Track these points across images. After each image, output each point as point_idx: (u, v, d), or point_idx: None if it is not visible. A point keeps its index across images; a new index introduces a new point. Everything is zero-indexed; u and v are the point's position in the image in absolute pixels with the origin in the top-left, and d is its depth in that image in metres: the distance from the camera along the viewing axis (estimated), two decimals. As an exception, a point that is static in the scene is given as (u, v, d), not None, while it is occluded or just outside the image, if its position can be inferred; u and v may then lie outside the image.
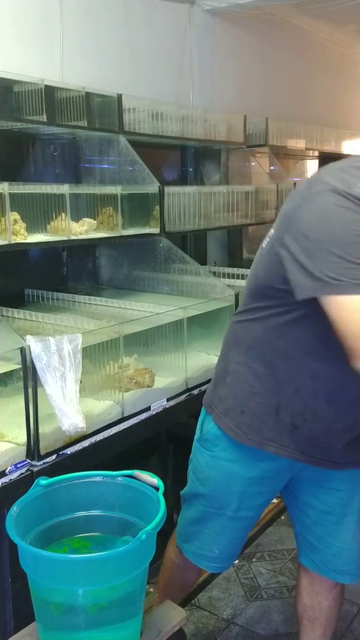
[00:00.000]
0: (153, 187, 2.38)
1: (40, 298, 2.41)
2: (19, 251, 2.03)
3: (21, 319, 2.01)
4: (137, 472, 1.42)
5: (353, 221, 1.15)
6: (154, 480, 1.39)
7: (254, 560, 2.49)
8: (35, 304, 2.39)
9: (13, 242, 1.89)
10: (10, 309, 2.04)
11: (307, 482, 1.53)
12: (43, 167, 2.49)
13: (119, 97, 2.44)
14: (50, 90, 2.17)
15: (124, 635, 1.32)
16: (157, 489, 1.37)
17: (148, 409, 1.92)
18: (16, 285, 2.42)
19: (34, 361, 1.50)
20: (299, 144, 3.81)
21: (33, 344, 1.49)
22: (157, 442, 2.17)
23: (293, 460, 1.42)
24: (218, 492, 1.50)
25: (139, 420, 1.88)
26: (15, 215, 1.94)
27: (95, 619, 1.26)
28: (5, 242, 1.86)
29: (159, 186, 2.39)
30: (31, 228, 2.04)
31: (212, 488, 1.51)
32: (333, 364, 1.28)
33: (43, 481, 1.37)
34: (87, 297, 2.34)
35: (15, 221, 1.94)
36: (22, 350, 1.51)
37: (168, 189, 2.42)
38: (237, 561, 2.49)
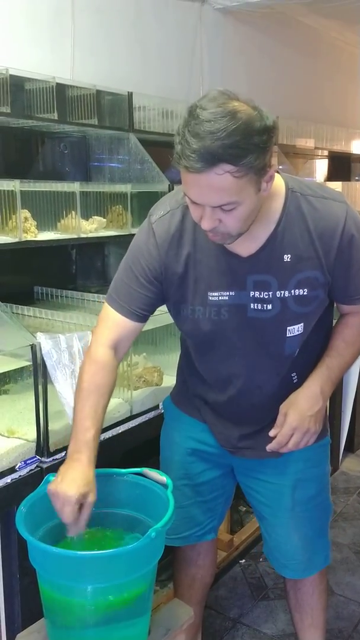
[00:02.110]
0: (163, 186, 2.38)
1: (50, 295, 2.41)
2: (29, 249, 2.04)
3: (31, 316, 2.02)
4: (146, 470, 1.43)
5: None
6: (163, 478, 1.39)
7: (260, 560, 2.49)
8: (45, 301, 2.39)
9: (24, 239, 1.90)
10: (20, 306, 2.05)
11: (239, 470, 1.61)
12: (53, 165, 2.50)
13: (130, 95, 2.45)
14: (61, 88, 2.17)
15: (133, 634, 1.32)
16: (166, 486, 1.37)
17: (156, 407, 1.92)
18: (25, 282, 2.43)
19: (45, 358, 1.50)
20: (308, 143, 3.80)
21: (44, 341, 1.50)
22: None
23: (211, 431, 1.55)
24: (164, 459, 1.66)
25: (147, 418, 1.88)
26: (25, 213, 1.95)
27: (104, 616, 1.26)
28: (16, 240, 1.87)
29: (169, 184, 2.39)
30: (41, 226, 2.04)
31: (162, 455, 1.68)
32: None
33: (52, 478, 1.38)
34: (96, 295, 2.34)
35: (26, 219, 1.95)
36: (33, 348, 1.51)
37: (178, 188, 2.42)
38: (243, 560, 2.49)
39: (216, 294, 1.36)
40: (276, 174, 1.31)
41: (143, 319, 1.42)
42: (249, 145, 1.08)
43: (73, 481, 1.24)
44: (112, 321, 1.40)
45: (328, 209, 1.32)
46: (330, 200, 1.34)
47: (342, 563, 2.47)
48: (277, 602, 2.25)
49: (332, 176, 4.44)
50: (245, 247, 1.33)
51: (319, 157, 4.43)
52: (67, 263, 2.62)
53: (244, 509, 2.68)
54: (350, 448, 3.40)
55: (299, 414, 1.38)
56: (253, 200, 1.18)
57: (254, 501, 1.62)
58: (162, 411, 1.92)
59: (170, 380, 2.04)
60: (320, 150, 4.13)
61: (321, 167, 4.54)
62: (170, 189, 2.38)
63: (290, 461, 1.52)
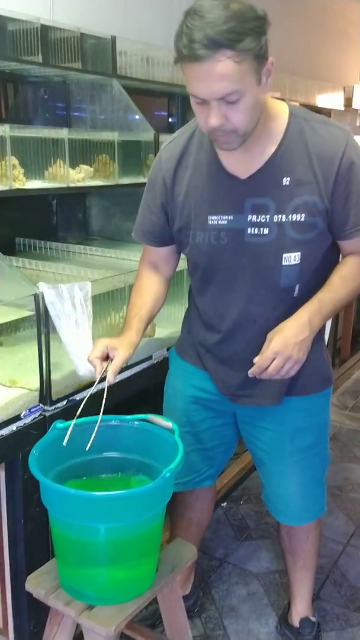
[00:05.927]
0: (149, 135, 2.34)
1: (32, 247, 2.37)
2: (9, 198, 1.98)
3: (19, 267, 1.99)
4: (151, 416, 1.46)
5: None
6: (168, 424, 1.42)
7: (241, 502, 2.59)
8: (27, 252, 2.35)
9: (13, 188, 1.85)
10: (8, 256, 2.01)
11: (241, 418, 1.65)
12: (33, 111, 2.41)
13: (113, 39, 2.36)
14: (45, 30, 2.08)
15: (142, 572, 1.37)
16: (172, 431, 1.41)
17: (150, 358, 1.95)
18: (6, 233, 2.37)
19: (48, 308, 1.50)
20: (274, 94, 3.77)
21: (46, 290, 1.49)
22: (159, 389, 2.20)
23: (213, 380, 1.59)
24: (167, 407, 1.72)
25: (141, 368, 1.90)
26: (14, 160, 1.89)
27: (116, 555, 1.30)
28: (6, 188, 1.82)
29: (155, 134, 2.34)
30: (28, 174, 1.98)
31: (165, 403, 1.73)
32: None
33: (60, 424, 1.39)
34: (81, 246, 2.31)
35: (14, 166, 1.89)
36: (36, 297, 1.50)
37: (164, 137, 2.38)
38: (225, 503, 2.59)
39: (215, 217, 1.40)
40: (280, 101, 1.36)
41: (166, 243, 1.54)
42: (244, 29, 1.14)
43: (102, 340, 1.42)
44: (145, 248, 1.60)
45: (329, 134, 1.35)
46: (332, 127, 1.37)
47: (318, 504, 2.59)
48: (259, 542, 2.36)
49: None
50: (245, 168, 1.35)
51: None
52: (47, 214, 2.56)
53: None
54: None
55: (283, 339, 1.35)
56: (255, 92, 1.21)
57: (254, 447, 1.66)
58: (156, 362, 1.96)
59: (161, 332, 2.07)
60: (289, 102, 4.10)
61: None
62: (157, 138, 2.34)
63: (290, 410, 1.55)
